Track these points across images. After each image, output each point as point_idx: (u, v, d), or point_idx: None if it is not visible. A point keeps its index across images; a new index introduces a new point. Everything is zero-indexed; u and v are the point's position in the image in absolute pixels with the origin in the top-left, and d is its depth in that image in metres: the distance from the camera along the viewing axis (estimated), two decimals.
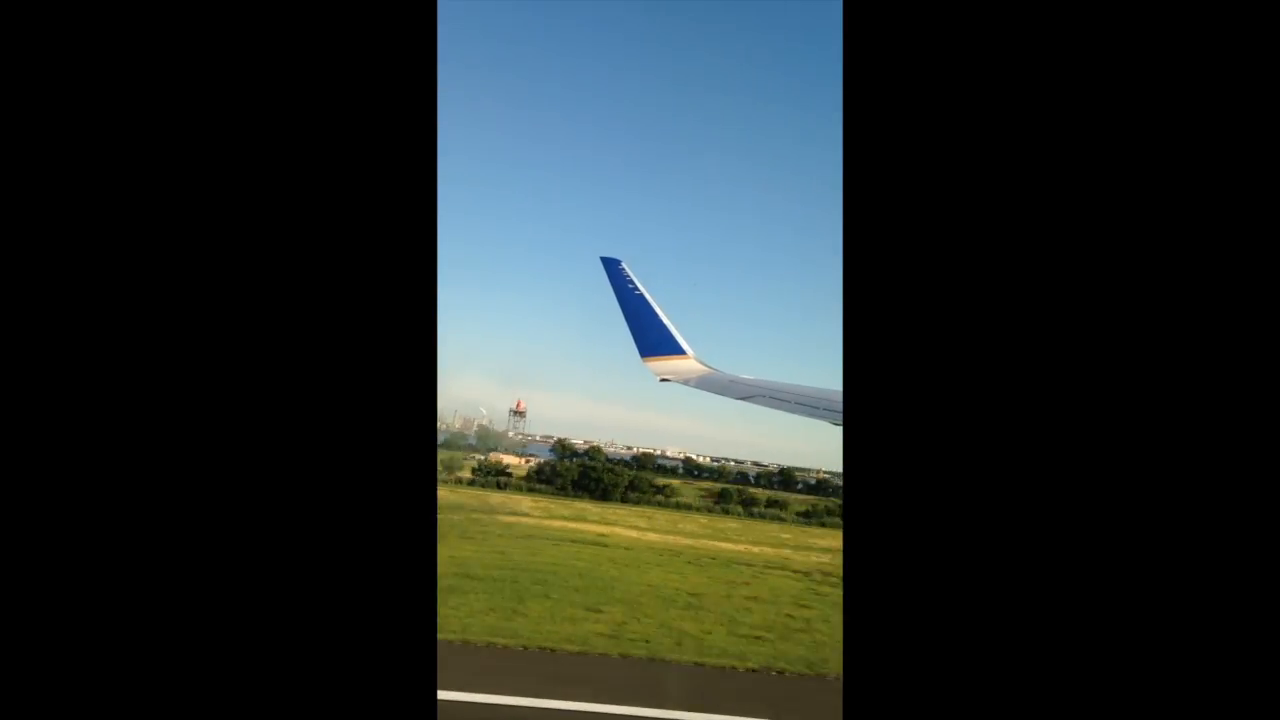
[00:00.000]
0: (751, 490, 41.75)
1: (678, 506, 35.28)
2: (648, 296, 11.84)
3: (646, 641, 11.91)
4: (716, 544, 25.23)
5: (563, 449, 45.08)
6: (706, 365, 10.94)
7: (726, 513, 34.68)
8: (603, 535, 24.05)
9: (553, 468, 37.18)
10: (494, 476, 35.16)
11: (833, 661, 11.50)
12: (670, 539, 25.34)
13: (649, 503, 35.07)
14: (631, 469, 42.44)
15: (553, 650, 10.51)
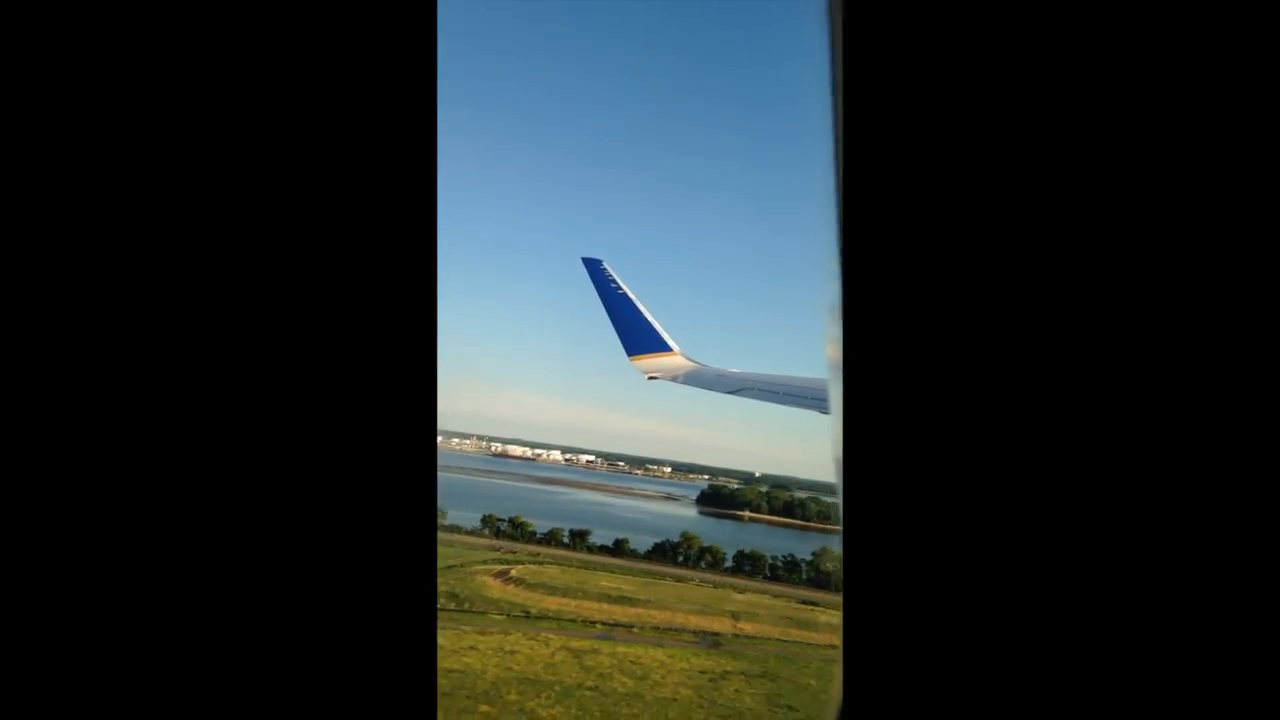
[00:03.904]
0: None
1: None
2: (631, 295, 11.80)
3: None
4: None
5: None
6: (693, 361, 10.93)
7: None
8: None
9: None
10: None
11: None
12: None
13: None
14: None
15: None
